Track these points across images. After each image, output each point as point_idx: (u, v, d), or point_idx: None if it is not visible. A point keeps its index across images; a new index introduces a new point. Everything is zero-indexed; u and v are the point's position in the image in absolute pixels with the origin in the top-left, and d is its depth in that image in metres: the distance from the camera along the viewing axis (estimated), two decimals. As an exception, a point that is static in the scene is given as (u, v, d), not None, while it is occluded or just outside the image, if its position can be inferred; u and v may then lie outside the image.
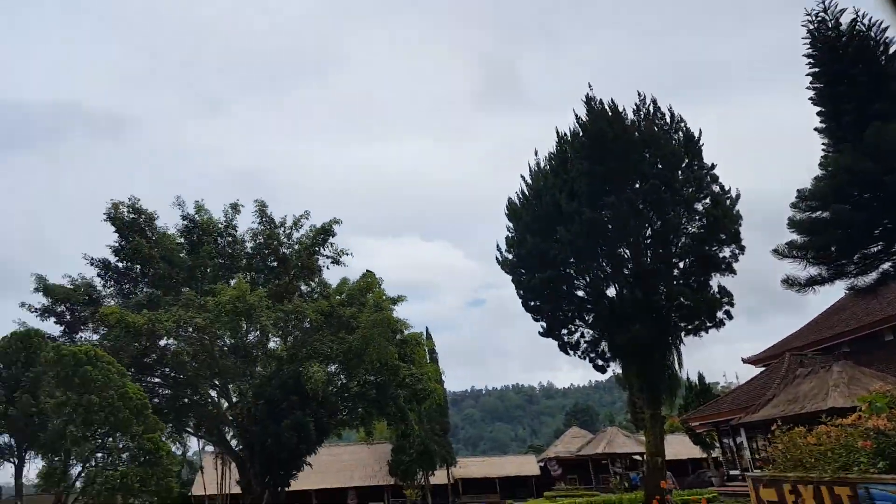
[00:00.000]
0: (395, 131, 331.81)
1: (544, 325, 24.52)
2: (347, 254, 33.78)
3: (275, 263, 33.25)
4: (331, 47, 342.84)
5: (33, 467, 34.50)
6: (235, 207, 33.49)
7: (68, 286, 30.76)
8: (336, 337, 29.89)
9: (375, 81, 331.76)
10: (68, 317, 31.05)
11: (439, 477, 46.54)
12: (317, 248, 33.26)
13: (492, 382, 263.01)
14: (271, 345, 31.98)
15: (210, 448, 40.38)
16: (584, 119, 22.81)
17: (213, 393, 33.44)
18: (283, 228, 33.37)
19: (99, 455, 28.34)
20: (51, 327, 31.45)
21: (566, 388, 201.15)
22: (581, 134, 22.83)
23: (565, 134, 23.90)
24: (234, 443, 34.79)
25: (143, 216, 31.42)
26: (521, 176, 24.78)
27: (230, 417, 33.43)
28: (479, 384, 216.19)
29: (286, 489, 33.54)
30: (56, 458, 29.24)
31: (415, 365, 31.63)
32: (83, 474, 28.17)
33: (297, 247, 33.22)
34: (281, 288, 31.71)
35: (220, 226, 33.19)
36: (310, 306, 30.00)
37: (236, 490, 36.02)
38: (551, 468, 49.35)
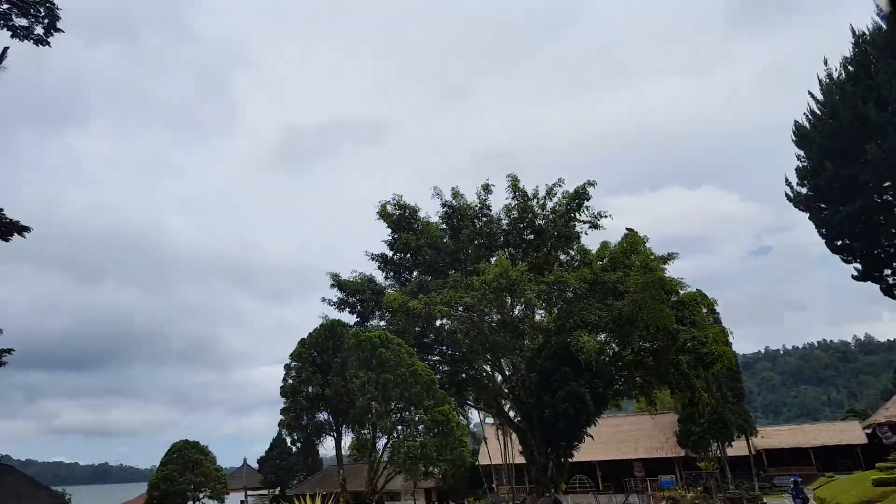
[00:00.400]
0: (639, 76, 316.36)
1: (858, 266, 21.59)
2: (605, 216, 33.84)
3: (531, 236, 34.80)
4: (561, 4, 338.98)
5: (348, 440, 41.43)
6: (487, 188, 35.84)
7: (356, 280, 36.30)
8: (603, 304, 30.18)
9: (613, 28, 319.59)
10: (359, 307, 36.66)
11: (738, 448, 44.08)
12: (572, 215, 33.89)
13: (790, 340, 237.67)
14: (537, 317, 33.57)
15: (490, 420, 44.16)
16: (887, 8, 19.10)
17: (487, 367, 36.42)
18: (536, 200, 34.70)
19: (399, 427, 32.83)
20: (346, 317, 37.49)
21: (891, 341, 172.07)
22: (885, 28, 19.24)
23: (863, 33, 20.35)
24: (512, 414, 37.53)
25: (408, 210, 35.60)
26: (809, 93, 21.93)
27: (506, 390, 36.10)
28: (773, 344, 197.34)
29: (569, 460, 35.05)
30: (363, 431, 34.77)
31: (696, 327, 30.31)
32: (388, 445, 32.70)
33: (551, 216, 34.27)
34: (540, 260, 33.11)
35: (475, 208, 35.90)
36: (572, 276, 30.74)
37: (520, 460, 38.84)
38: (883, 435, 42.99)
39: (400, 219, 35.50)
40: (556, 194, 34.55)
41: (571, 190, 34.01)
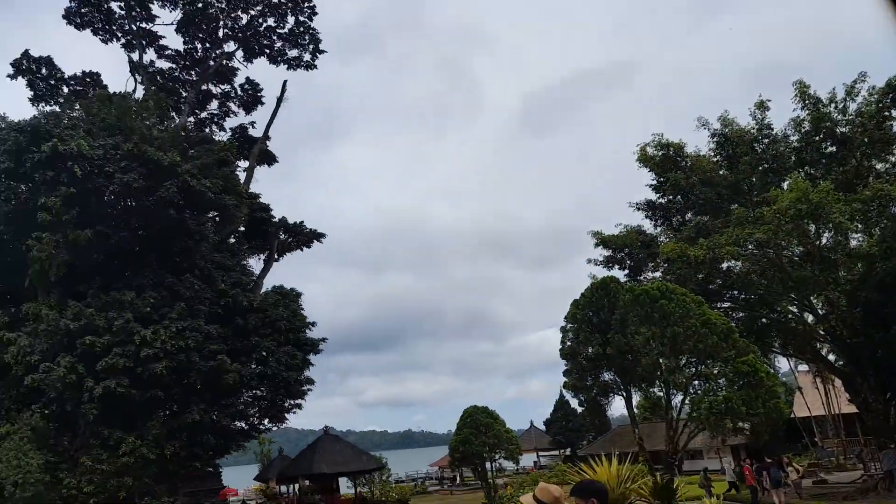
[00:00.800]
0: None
1: None
2: (935, 103, 27.61)
3: (832, 148, 30.05)
4: None
5: (637, 399, 40.76)
6: (762, 105, 31.75)
7: (622, 234, 35.11)
8: (950, 213, 24.89)
9: None
10: (629, 261, 35.45)
11: None
12: (886, 114, 28.33)
13: None
14: (852, 243, 29.12)
15: (804, 367, 39.79)
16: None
17: (794, 308, 32.73)
18: (833, 105, 29.74)
19: (696, 382, 31.09)
20: (616, 274, 36.61)
21: None
22: None
23: None
24: (832, 358, 33.37)
25: (672, 148, 33.18)
26: None
27: (821, 332, 32.05)
28: None
29: (918, 406, 29.98)
30: (651, 389, 33.65)
31: None
32: (686, 401, 31.18)
33: (857, 120, 29.06)
34: (849, 174, 28.47)
35: (751, 131, 32.08)
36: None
37: (848, 409, 34.34)
38: None
39: (664, 159, 33.18)
40: (859, 93, 29.11)
41: (881, 84, 28.31)
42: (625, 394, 37.81)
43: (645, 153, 33.44)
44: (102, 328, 22.06)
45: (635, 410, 38.44)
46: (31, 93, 32.57)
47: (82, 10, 33.17)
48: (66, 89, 33.11)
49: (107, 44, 34.39)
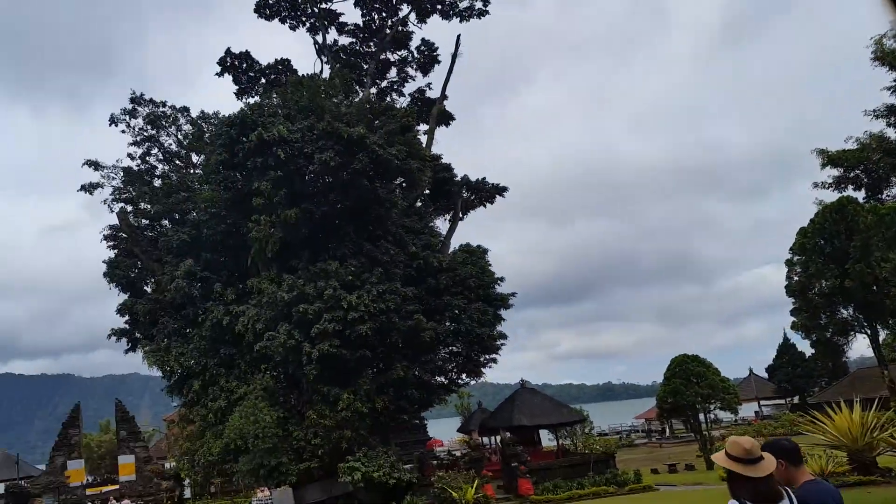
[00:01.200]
0: None
1: None
2: None
3: None
4: None
5: (883, 337, 34.96)
6: None
7: (855, 148, 29.40)
8: None
9: None
10: (865, 179, 29.71)
11: None
12: None
13: None
14: None
15: None
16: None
17: None
18: None
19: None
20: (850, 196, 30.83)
21: None
22: None
23: None
24: None
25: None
26: None
27: None
28: None
29: None
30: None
31: None
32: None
33: None
34: None
35: None
36: None
37: None
38: None
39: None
40: None
41: None
42: (869, 331, 33.03)
43: (882, 47, 27.15)
44: (313, 296, 23.31)
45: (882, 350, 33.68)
46: (236, 87, 35.38)
47: (270, 2, 34.96)
48: (263, 80, 35.39)
49: (294, 30, 35.98)
